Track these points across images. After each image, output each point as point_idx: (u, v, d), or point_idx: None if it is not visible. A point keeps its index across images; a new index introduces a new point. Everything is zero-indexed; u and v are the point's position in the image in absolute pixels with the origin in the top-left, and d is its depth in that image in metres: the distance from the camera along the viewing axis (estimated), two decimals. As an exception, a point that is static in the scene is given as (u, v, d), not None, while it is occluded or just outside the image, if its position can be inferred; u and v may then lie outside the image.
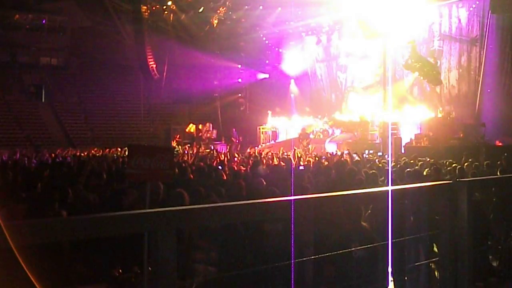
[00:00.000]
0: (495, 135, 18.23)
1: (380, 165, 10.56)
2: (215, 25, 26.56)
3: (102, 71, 35.05)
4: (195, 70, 31.73)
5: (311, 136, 22.97)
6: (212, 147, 21.90)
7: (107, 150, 20.08)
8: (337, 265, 4.61)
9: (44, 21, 35.40)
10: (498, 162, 10.56)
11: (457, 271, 2.61)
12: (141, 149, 4.79)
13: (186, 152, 17.43)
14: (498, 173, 8.85)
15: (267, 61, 31.38)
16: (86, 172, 8.41)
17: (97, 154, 17.76)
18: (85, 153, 17.87)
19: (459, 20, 21.83)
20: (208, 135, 27.47)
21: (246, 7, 25.32)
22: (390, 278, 2.91)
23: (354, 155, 12.83)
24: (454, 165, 10.14)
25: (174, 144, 25.67)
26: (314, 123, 24.66)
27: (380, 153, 17.15)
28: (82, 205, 5.82)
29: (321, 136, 22.82)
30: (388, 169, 9.01)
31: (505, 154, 10.33)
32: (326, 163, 11.44)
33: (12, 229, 1.54)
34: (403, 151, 17.81)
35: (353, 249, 4.70)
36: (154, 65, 25.80)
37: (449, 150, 15.93)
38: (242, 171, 9.37)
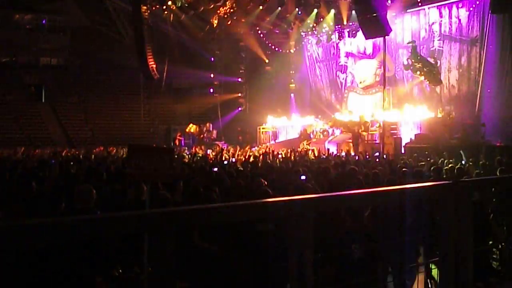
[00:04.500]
0: (495, 135, 18.21)
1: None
2: (215, 25, 26.56)
3: (102, 71, 35.04)
4: (195, 70, 31.74)
5: (311, 136, 22.98)
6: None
7: (100, 149, 20.08)
8: (337, 265, 4.61)
9: (44, 21, 35.38)
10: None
11: (457, 271, 2.61)
12: (141, 149, 4.78)
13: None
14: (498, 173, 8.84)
15: (267, 61, 31.39)
16: (84, 172, 8.40)
17: (97, 154, 17.72)
18: (84, 153, 17.84)
19: (459, 20, 21.82)
20: (208, 135, 27.51)
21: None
22: (390, 278, 2.91)
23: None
24: (452, 165, 10.11)
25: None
26: (314, 123, 24.65)
27: (377, 153, 17.09)
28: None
29: (321, 136, 22.80)
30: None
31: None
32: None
33: (12, 230, 1.53)
34: (403, 151, 17.78)
35: (353, 249, 4.70)
36: (154, 65, 25.78)
37: (449, 150, 15.91)
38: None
